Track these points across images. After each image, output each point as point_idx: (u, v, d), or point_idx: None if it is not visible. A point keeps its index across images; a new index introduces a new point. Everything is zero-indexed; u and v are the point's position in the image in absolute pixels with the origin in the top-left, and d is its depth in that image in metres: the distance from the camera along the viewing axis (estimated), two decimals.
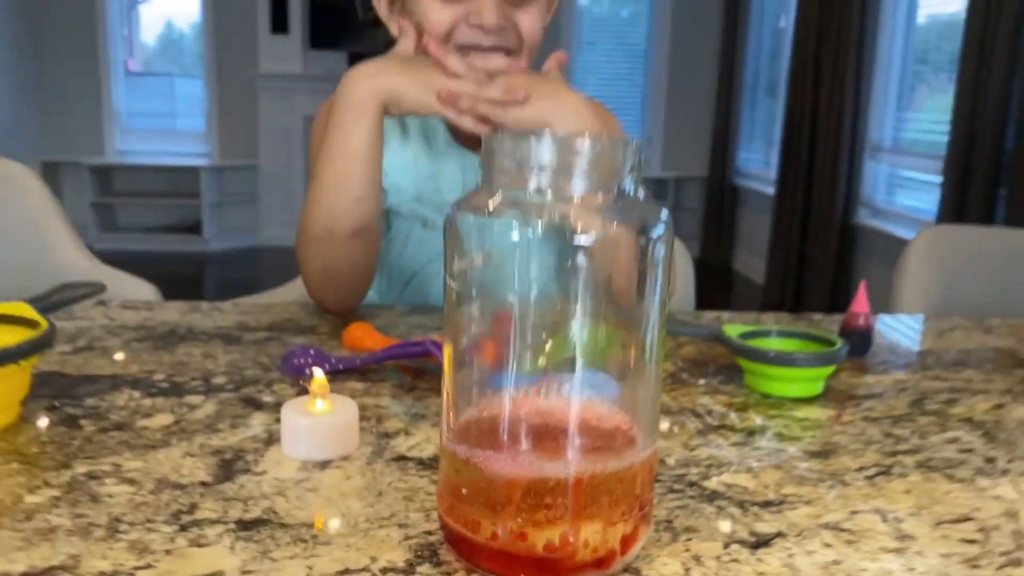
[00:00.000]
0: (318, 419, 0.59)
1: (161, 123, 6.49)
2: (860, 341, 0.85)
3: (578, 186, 0.44)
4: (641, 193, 0.46)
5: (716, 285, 5.90)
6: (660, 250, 0.45)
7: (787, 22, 5.38)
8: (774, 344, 0.78)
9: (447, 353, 0.48)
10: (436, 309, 1.01)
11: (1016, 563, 0.49)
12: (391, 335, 0.86)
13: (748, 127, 6.12)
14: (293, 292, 1.34)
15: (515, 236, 0.43)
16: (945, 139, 3.54)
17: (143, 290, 1.36)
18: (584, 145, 0.44)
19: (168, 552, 0.46)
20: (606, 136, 0.47)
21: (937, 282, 1.28)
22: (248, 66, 6.16)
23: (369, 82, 0.90)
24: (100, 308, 0.93)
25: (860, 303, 0.85)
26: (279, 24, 6.10)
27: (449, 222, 0.46)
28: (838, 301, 4.57)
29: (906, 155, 4.26)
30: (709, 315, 1.00)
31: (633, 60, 6.69)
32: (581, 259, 0.43)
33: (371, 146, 0.91)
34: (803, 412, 0.71)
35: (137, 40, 6.41)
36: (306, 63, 6.16)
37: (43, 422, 0.63)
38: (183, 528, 0.49)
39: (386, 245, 1.13)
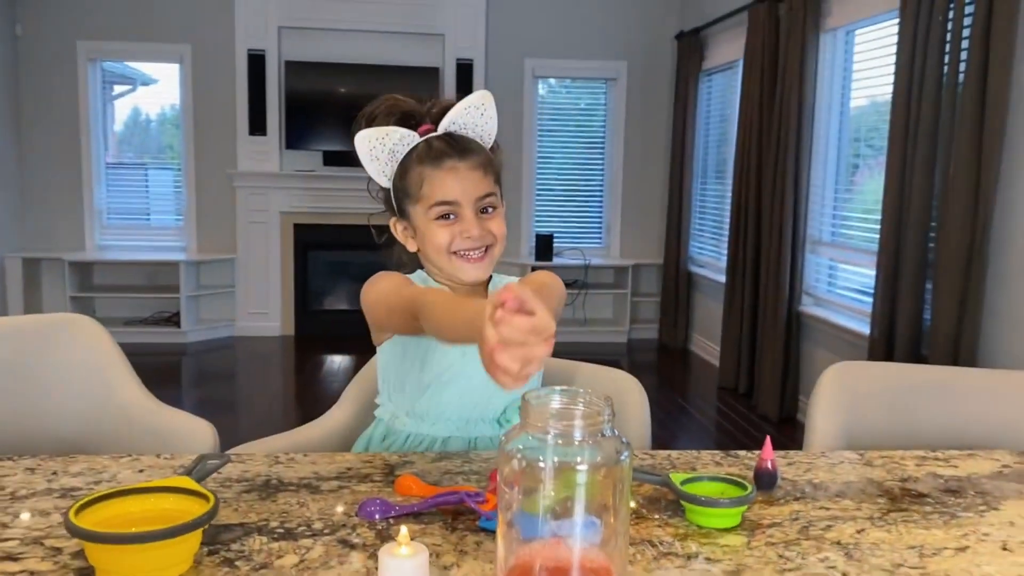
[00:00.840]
0: (404, 561, 0.89)
1: (140, 220, 6.79)
2: (768, 480, 1.18)
3: (577, 435, 0.76)
4: (615, 432, 0.78)
5: (675, 366, 6.27)
6: (627, 464, 0.77)
7: (732, 109, 5.82)
8: (706, 487, 1.10)
9: (500, 524, 0.79)
10: (455, 455, 1.32)
11: None
12: (427, 480, 1.17)
13: (699, 215, 6.55)
14: (318, 429, 1.64)
15: (540, 464, 0.76)
16: (877, 236, 3.95)
17: (200, 426, 1.64)
18: (581, 413, 0.77)
19: None
20: (593, 398, 0.80)
21: (843, 411, 1.62)
22: (227, 164, 6.51)
23: None
24: None
25: (767, 451, 1.18)
26: (257, 126, 6.48)
27: (500, 447, 0.78)
28: (787, 385, 4.93)
29: (843, 249, 4.67)
30: (661, 454, 1.33)
31: (592, 149, 7.11)
32: (580, 477, 0.75)
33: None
34: (725, 540, 1.03)
35: (110, 128, 6.74)
36: (282, 162, 6.53)
37: (210, 565, 0.93)
38: None
39: (408, 363, 1.43)
